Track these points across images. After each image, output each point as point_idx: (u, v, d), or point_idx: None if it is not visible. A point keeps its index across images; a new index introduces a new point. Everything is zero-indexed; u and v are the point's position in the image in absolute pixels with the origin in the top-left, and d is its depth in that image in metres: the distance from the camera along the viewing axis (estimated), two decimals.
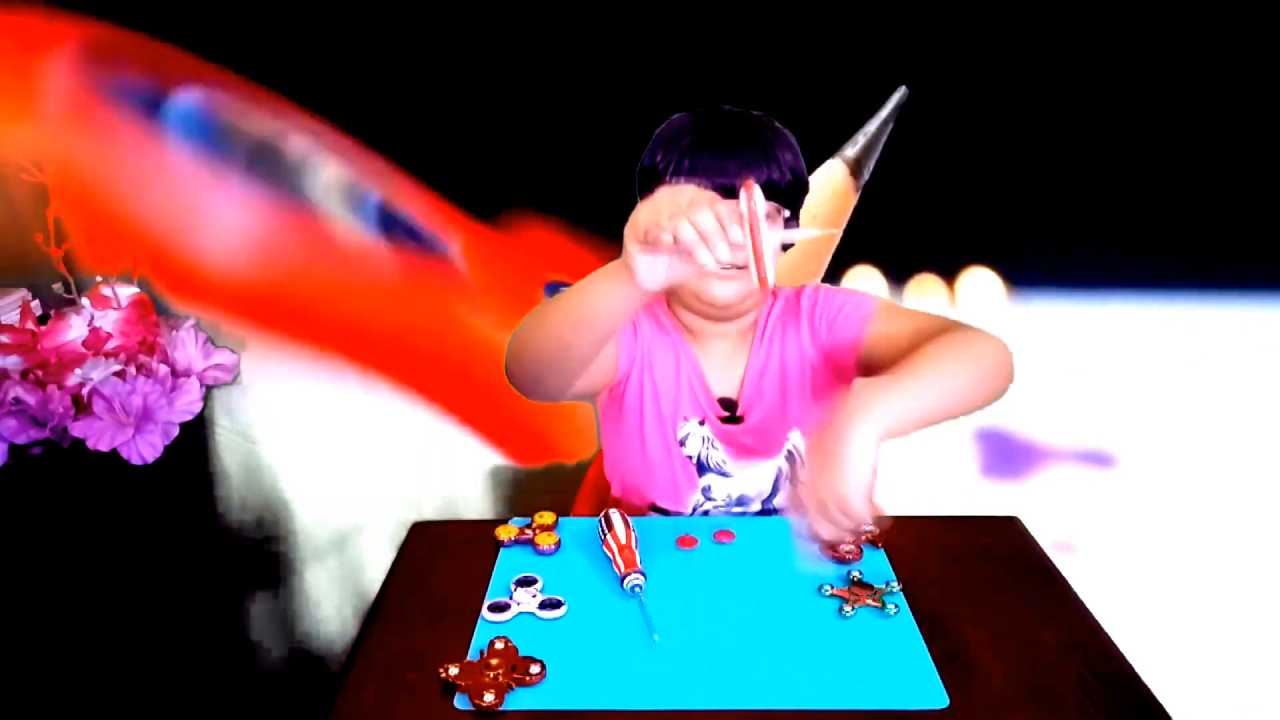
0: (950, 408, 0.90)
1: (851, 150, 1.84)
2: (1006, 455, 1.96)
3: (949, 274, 1.87)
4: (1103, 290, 1.91)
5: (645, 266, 0.82)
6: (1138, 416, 1.93)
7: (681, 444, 1.13)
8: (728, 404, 1.14)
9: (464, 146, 1.81)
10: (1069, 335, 1.91)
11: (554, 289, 1.79)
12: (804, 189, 1.08)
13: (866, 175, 1.84)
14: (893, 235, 1.85)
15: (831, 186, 1.84)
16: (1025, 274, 1.89)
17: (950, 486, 1.90)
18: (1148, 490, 1.92)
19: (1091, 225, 1.88)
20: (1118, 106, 1.80)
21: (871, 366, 1.09)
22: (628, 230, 0.82)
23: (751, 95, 1.13)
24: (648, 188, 1.05)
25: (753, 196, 0.76)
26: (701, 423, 1.13)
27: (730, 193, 1.01)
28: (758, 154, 1.02)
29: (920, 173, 1.84)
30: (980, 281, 1.89)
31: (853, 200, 1.85)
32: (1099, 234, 1.88)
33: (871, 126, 1.82)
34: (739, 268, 0.79)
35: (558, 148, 1.80)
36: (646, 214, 0.80)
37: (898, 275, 1.87)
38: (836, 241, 1.84)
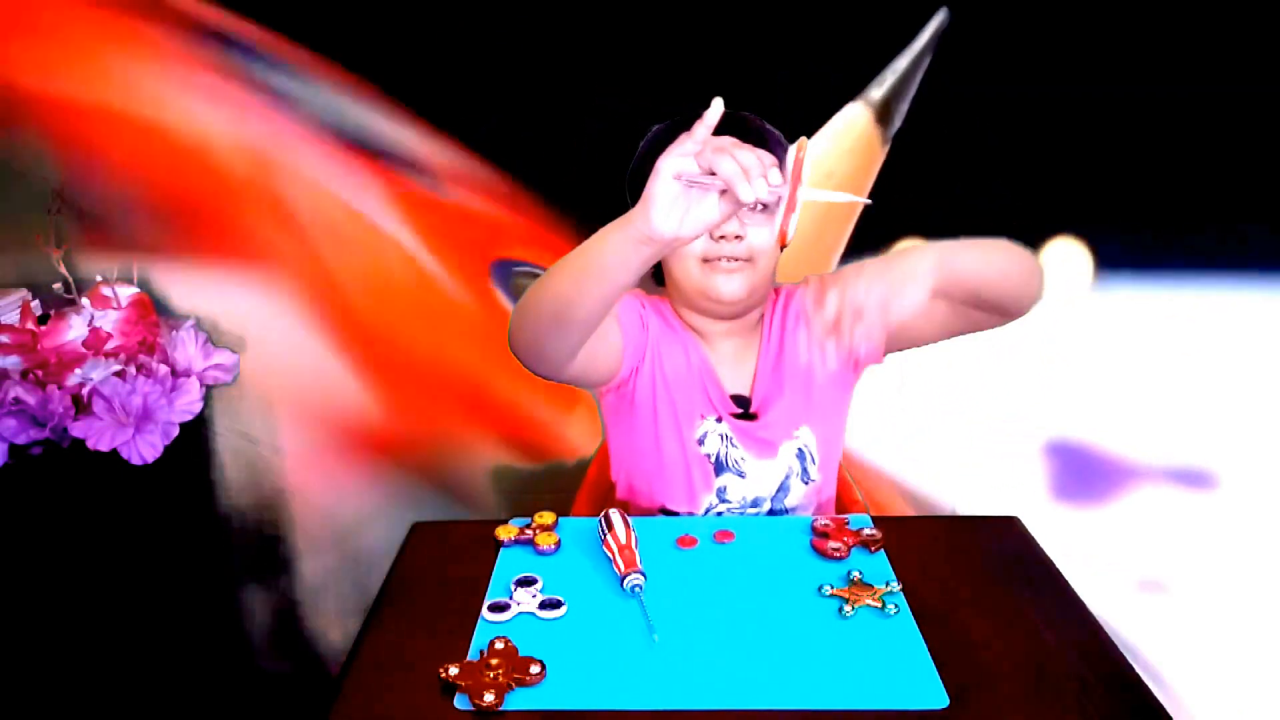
0: (991, 273, 0.94)
1: (878, 91, 1.45)
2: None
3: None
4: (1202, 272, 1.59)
5: (665, 204, 0.80)
6: (1135, 425, 1.93)
7: (700, 442, 1.13)
8: (740, 401, 1.14)
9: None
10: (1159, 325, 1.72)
11: (506, 269, 1.76)
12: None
13: (898, 123, 1.49)
14: (944, 198, 1.53)
15: (852, 136, 1.47)
16: (1112, 251, 1.56)
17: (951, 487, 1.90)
18: (1147, 493, 1.92)
19: (1193, 194, 1.54)
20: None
21: (913, 329, 1.07)
22: (657, 169, 0.80)
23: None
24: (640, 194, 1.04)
25: (803, 149, 0.79)
26: (719, 420, 1.13)
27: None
28: (744, 138, 1.01)
29: (971, 121, 1.50)
30: (1063, 256, 1.56)
31: (880, 154, 1.50)
32: (1204, 205, 1.54)
33: (903, 62, 1.44)
34: (764, 207, 0.85)
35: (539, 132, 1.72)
36: (690, 144, 0.79)
37: None
38: (860, 208, 1.54)
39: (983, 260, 0.93)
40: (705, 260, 1.07)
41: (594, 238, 0.88)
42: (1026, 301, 0.98)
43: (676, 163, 0.79)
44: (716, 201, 0.81)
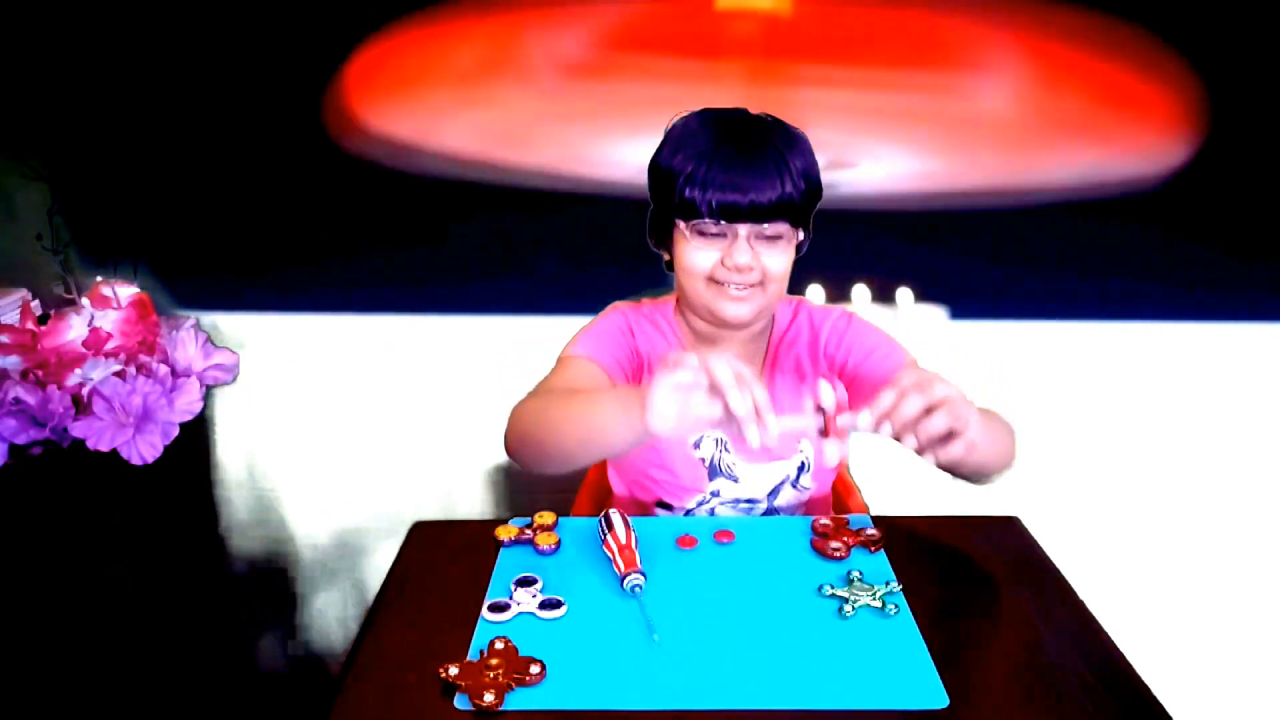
0: (990, 461, 0.93)
1: None
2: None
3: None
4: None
5: (662, 411, 0.79)
6: (1137, 426, 1.94)
7: (696, 446, 1.12)
8: None
9: None
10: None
11: None
12: (817, 194, 1.05)
13: None
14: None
15: None
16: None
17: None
18: (1148, 492, 1.93)
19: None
20: None
21: None
22: (655, 380, 0.79)
23: None
24: (663, 188, 1.03)
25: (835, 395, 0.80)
26: None
27: (733, 209, 0.99)
28: (771, 168, 0.99)
29: None
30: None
31: None
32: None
33: None
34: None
35: None
36: (683, 364, 0.78)
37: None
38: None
39: (994, 457, 0.94)
40: (714, 281, 1.04)
41: (596, 406, 0.89)
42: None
43: (675, 381, 0.78)
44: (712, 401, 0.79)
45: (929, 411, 0.79)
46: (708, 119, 1.04)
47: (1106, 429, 1.93)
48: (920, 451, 0.81)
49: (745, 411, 0.76)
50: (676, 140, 1.03)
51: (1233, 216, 1.85)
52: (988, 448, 0.89)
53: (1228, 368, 1.91)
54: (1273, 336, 1.90)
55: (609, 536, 0.94)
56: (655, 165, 1.05)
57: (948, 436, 0.79)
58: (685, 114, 1.06)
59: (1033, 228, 1.86)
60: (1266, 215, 1.83)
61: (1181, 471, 1.92)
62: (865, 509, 1.23)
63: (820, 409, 0.81)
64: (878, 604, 0.87)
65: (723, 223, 1.00)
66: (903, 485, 1.09)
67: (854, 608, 0.87)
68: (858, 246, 1.84)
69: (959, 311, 1.91)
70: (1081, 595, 0.91)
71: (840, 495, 1.26)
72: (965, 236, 1.88)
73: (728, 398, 0.76)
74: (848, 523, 1.01)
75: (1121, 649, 0.83)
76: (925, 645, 0.82)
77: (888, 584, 0.90)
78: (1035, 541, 1.01)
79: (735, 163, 0.99)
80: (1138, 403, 1.92)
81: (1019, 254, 1.88)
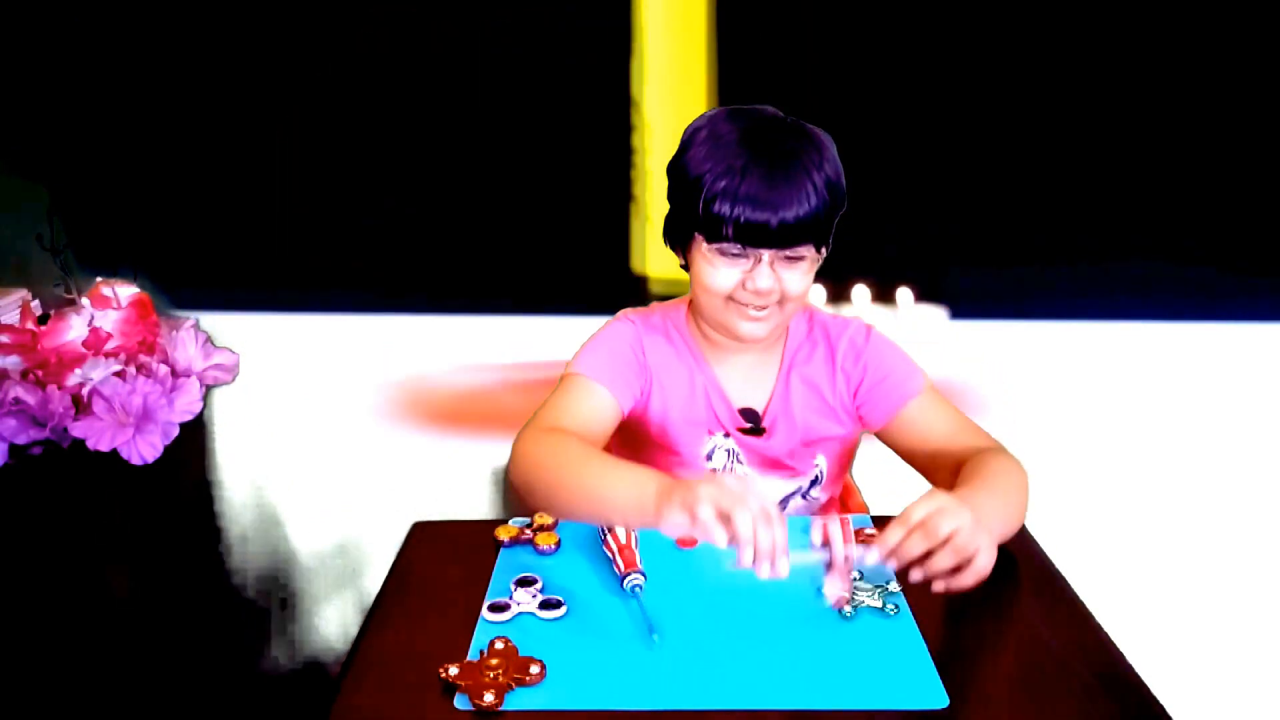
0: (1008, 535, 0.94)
1: None
2: None
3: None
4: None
5: (674, 525, 0.81)
6: (1137, 425, 1.93)
7: (708, 458, 1.12)
8: (749, 415, 1.12)
9: None
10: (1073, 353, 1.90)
11: None
12: (840, 204, 1.02)
13: None
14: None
15: None
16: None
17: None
18: (1149, 492, 1.93)
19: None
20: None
21: (888, 438, 1.10)
22: (680, 492, 0.80)
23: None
24: (686, 195, 0.99)
25: (847, 532, 0.82)
26: (726, 435, 1.12)
27: (760, 234, 0.97)
28: (798, 187, 0.96)
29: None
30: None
31: None
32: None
33: None
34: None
35: None
36: (711, 493, 0.78)
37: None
38: None
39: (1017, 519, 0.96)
40: (732, 299, 1.02)
41: (607, 483, 0.89)
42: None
43: (686, 502, 0.79)
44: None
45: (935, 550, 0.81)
46: (739, 126, 0.99)
47: (1107, 429, 1.93)
48: (929, 582, 0.83)
49: (759, 552, 0.77)
50: (706, 145, 0.99)
51: (1232, 219, 1.85)
52: (1004, 529, 0.92)
53: (1228, 368, 1.91)
54: (1273, 336, 1.90)
55: (609, 536, 0.94)
56: (680, 168, 1.01)
57: (957, 568, 0.82)
58: (711, 111, 1.02)
59: (1034, 228, 1.86)
60: (1266, 219, 1.84)
61: (1182, 471, 1.92)
62: (865, 509, 1.23)
63: (827, 544, 0.82)
64: (878, 604, 0.87)
65: (746, 248, 0.98)
66: (903, 485, 1.09)
67: (854, 608, 0.87)
68: (858, 246, 1.84)
69: (959, 312, 1.91)
70: (1082, 596, 0.91)
71: (840, 495, 1.26)
72: (966, 237, 1.88)
73: (741, 552, 0.77)
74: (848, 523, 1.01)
75: (1121, 649, 0.83)
76: (925, 645, 0.82)
77: (888, 584, 0.90)
78: (1036, 542, 1.01)
79: (764, 181, 0.96)
80: (1138, 403, 1.92)
81: (1019, 254, 1.88)
